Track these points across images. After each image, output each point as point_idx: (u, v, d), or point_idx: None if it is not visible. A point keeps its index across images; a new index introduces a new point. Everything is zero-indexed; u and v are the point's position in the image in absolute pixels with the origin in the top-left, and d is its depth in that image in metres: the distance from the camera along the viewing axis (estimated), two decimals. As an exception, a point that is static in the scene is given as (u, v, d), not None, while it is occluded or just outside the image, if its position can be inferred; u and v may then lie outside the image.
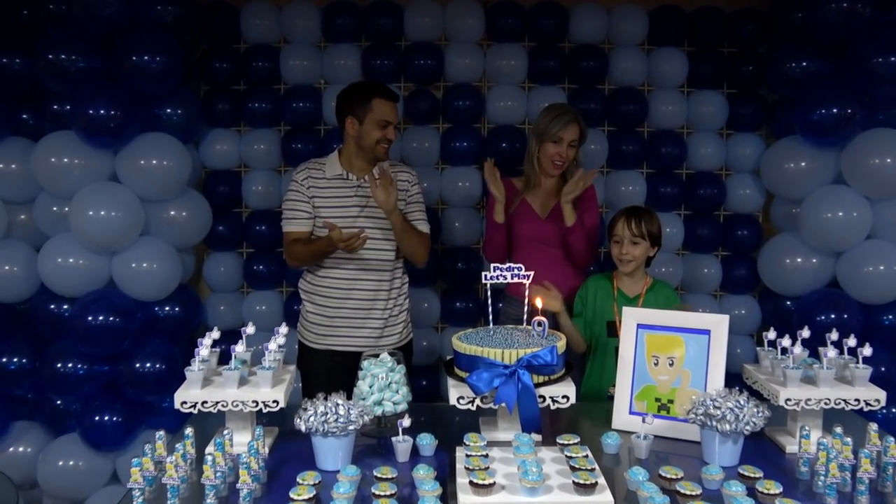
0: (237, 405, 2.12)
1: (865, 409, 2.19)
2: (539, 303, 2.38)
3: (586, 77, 3.99)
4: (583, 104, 3.94)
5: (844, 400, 2.17)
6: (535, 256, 3.11)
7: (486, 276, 2.35)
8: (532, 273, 2.36)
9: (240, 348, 2.23)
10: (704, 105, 4.00)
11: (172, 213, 3.58)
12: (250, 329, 2.30)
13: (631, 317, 2.45)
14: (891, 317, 3.57)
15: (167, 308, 3.62)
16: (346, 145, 3.14)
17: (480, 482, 1.74)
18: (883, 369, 3.38)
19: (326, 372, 3.07)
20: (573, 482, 1.76)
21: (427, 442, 2.17)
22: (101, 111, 3.30)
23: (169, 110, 3.60)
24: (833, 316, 3.48)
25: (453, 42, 3.96)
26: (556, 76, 3.98)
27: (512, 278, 2.34)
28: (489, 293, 2.40)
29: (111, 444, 3.48)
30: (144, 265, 3.44)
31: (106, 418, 3.43)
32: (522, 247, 3.21)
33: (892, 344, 3.54)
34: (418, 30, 3.92)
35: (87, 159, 3.40)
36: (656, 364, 2.39)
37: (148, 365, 3.43)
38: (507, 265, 2.34)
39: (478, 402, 2.16)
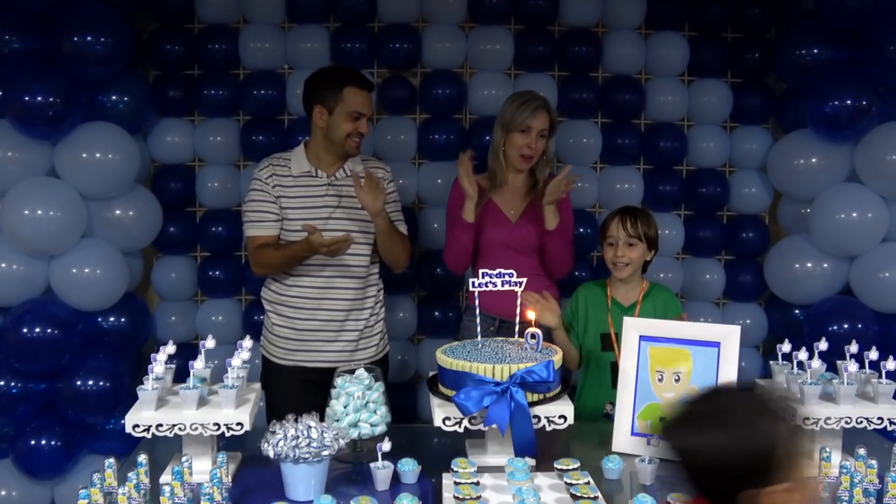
0: (196, 428, 2.08)
1: (889, 429, 2.21)
2: (532, 315, 2.36)
3: (578, 64, 3.99)
4: (574, 93, 3.95)
5: (867, 419, 2.19)
6: (504, 265, 2.99)
7: (472, 282, 2.34)
8: (525, 280, 2.35)
9: (198, 364, 2.19)
10: (707, 95, 4.02)
11: (118, 212, 3.52)
12: (210, 343, 2.27)
13: (632, 328, 2.45)
14: (908, 326, 3.60)
15: (112, 319, 3.55)
16: (313, 138, 3.11)
17: (472, 513, 1.72)
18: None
19: (295, 391, 3.02)
20: (575, 512, 1.75)
21: (409, 468, 2.14)
22: (38, 98, 3.23)
23: (114, 97, 3.54)
24: (846, 326, 3.50)
25: (432, 24, 3.94)
26: (544, 62, 3.98)
27: (503, 285, 2.33)
28: (477, 302, 2.37)
29: (49, 472, 3.40)
30: (86, 271, 3.37)
31: (43, 443, 3.35)
32: (489, 254, 3.13)
33: (909, 356, 3.57)
34: (393, 10, 3.90)
35: (22, 152, 3.34)
36: (661, 380, 2.38)
37: (90, 383, 3.36)
38: (497, 271, 2.33)
39: (466, 423, 2.14)
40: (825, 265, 3.67)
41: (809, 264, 3.69)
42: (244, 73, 3.93)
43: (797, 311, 3.86)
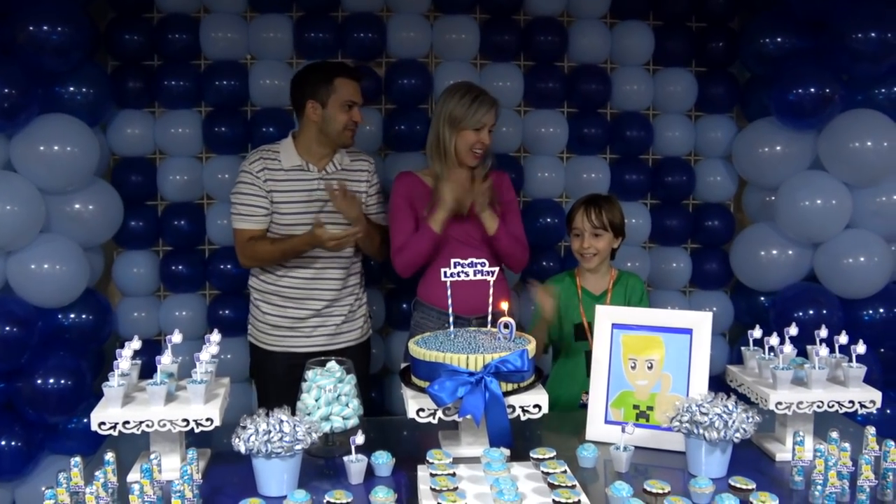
0: (165, 425, 2.03)
1: (861, 412, 2.23)
2: (504, 305, 2.34)
3: (544, 53, 3.98)
4: (540, 83, 3.94)
5: (838, 402, 2.21)
6: (454, 258, 3.01)
7: (444, 272, 2.31)
8: (497, 269, 2.33)
9: (165, 359, 2.14)
10: (672, 84, 4.04)
11: (77, 206, 3.44)
12: (176, 337, 2.22)
13: (605, 316, 2.45)
14: (871, 311, 3.65)
15: (72, 316, 3.49)
16: (304, 132, 3.19)
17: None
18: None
19: (287, 375, 3.02)
20: (553, 501, 1.73)
21: (383, 461, 2.12)
22: (-7, 89, 3.15)
23: (72, 88, 3.45)
24: (812, 312, 3.55)
25: (396, 13, 3.90)
26: (510, 52, 3.96)
27: (475, 275, 2.30)
28: (449, 293, 2.35)
29: (9, 473, 3.33)
30: (45, 266, 3.30)
31: (2, 443, 3.29)
32: (443, 249, 3.08)
33: (873, 341, 3.60)
34: (358, -1, 3.86)
35: (-23, 145, 3.25)
36: (634, 367, 2.38)
37: (51, 381, 3.29)
38: (470, 260, 2.30)
39: (440, 414, 2.12)
40: (790, 252, 3.71)
41: (774, 251, 3.73)
42: (205, 64, 3.86)
43: (763, 299, 3.91)
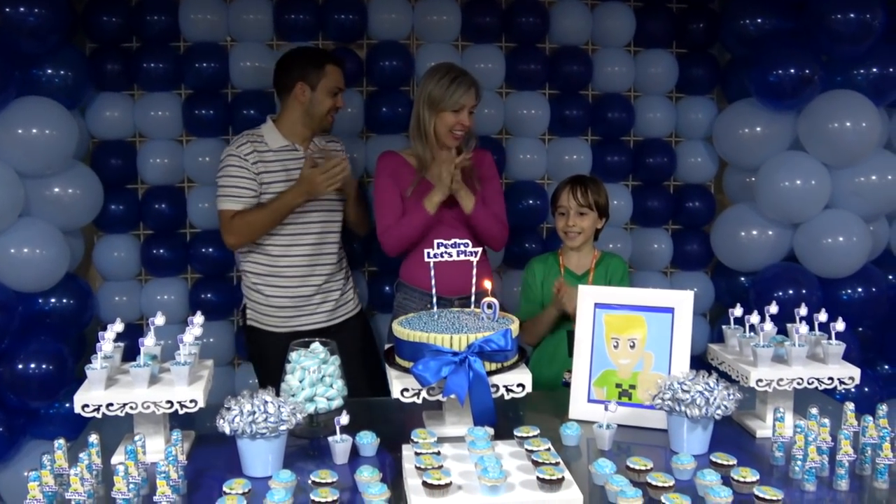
0: (148, 406, 2.03)
1: (839, 388, 2.26)
2: (488, 284, 2.35)
3: (525, 35, 3.97)
4: (522, 64, 3.93)
5: (818, 379, 2.23)
6: (436, 239, 3.02)
7: (428, 253, 2.31)
8: (480, 249, 2.34)
9: (148, 342, 2.14)
10: (653, 66, 4.04)
11: (56, 190, 3.41)
12: (159, 320, 2.21)
13: (587, 295, 2.46)
14: (850, 291, 3.69)
15: (53, 300, 3.46)
16: (287, 113, 3.26)
17: (435, 482, 1.71)
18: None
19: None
20: (537, 478, 1.75)
21: (368, 441, 2.13)
22: (-31, 72, 3.12)
23: (50, 71, 3.41)
24: (791, 292, 3.58)
25: (377, -6, 3.88)
26: (492, 34, 3.95)
27: (458, 255, 2.31)
28: (432, 273, 2.35)
29: (-9, 458, 3.32)
30: (25, 251, 3.28)
31: (-16, 429, 3.27)
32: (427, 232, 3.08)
33: (851, 320, 3.64)
34: (337, -21, 3.83)
35: (-46, 128, 3.21)
36: (616, 346, 2.40)
37: (32, 366, 3.27)
38: (453, 241, 2.31)
39: (424, 394, 2.13)
40: (770, 233, 3.74)
41: (754, 232, 3.76)
42: (185, 46, 3.82)
43: (743, 279, 3.93)
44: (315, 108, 3.20)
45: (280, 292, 3.26)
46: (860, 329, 3.80)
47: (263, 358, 3.32)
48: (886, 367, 4.00)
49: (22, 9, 3.18)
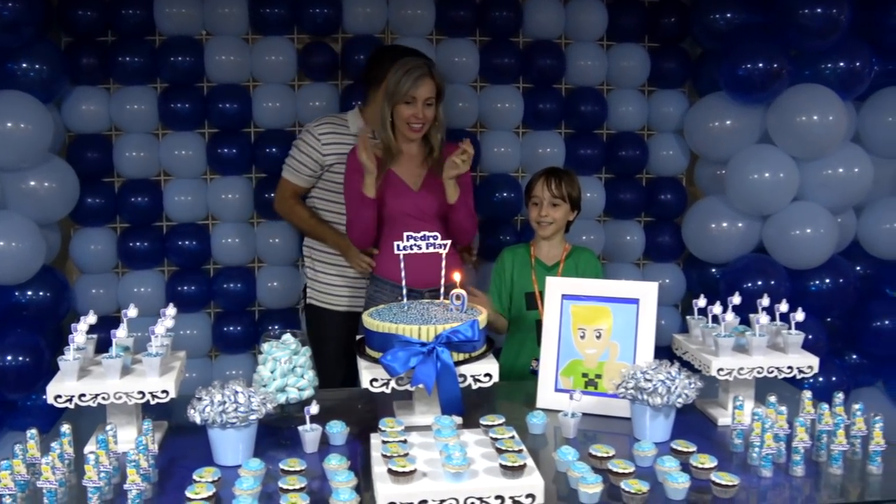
0: (120, 397, 2.06)
1: (798, 377, 2.31)
2: (457, 276, 2.39)
3: (499, 29, 4.01)
4: (496, 59, 3.97)
5: (777, 368, 2.28)
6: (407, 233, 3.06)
7: (397, 245, 2.35)
8: (449, 242, 2.37)
9: (121, 333, 2.17)
10: (625, 60, 4.09)
11: (32, 183, 3.43)
12: (132, 311, 2.24)
13: (555, 287, 2.50)
14: (818, 282, 3.75)
15: (29, 293, 3.48)
16: (373, 104, 3.37)
17: (400, 469, 1.74)
18: (810, 336, 3.52)
19: (347, 334, 3.15)
20: (500, 465, 1.78)
21: (338, 430, 2.16)
22: (-57, 66, 3.13)
23: (25, 65, 3.42)
24: (760, 283, 3.64)
25: (352, -11, 3.90)
26: (466, 28, 3.99)
27: (427, 248, 2.34)
28: (402, 265, 2.39)
29: (-32, 450, 3.32)
30: (1, 244, 3.29)
31: (-39, 420, 3.29)
32: (395, 224, 3.06)
33: (819, 310, 3.73)
34: (312, -25, 3.85)
35: (-71, 122, 3.22)
36: (583, 337, 2.44)
37: (9, 358, 3.30)
38: (422, 234, 2.34)
39: (393, 384, 2.16)
40: (739, 224, 3.80)
41: (725, 224, 3.82)
42: (160, 40, 3.84)
43: (714, 270, 3.99)
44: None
45: (334, 270, 3.44)
46: (828, 319, 3.86)
47: (323, 336, 3.43)
48: (854, 356, 4.07)
49: (-4, 3, 3.20)
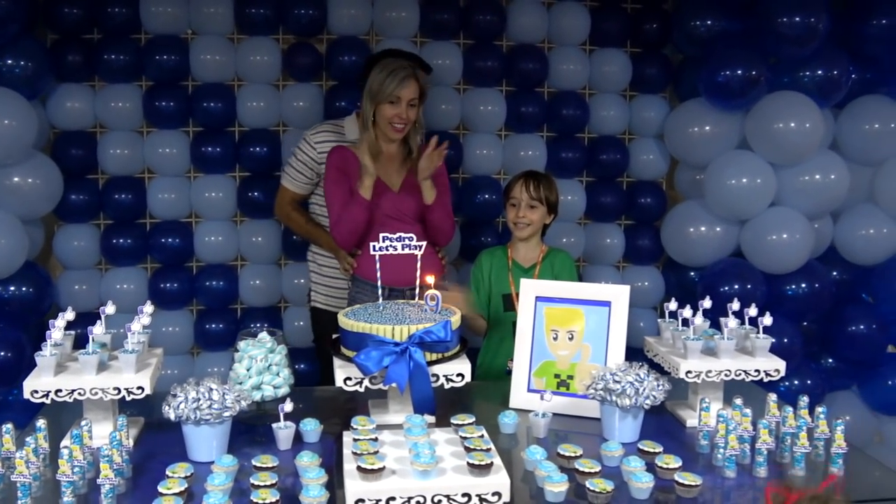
0: (96, 393, 2.08)
1: (766, 380, 2.35)
2: (430, 279, 2.42)
3: (483, 33, 4.04)
4: (480, 61, 4.01)
5: (745, 371, 2.32)
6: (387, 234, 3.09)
7: (373, 246, 2.38)
8: (424, 243, 2.41)
9: (98, 330, 2.19)
10: (607, 64, 4.13)
11: (16, 179, 3.44)
12: (109, 308, 2.26)
13: (529, 289, 2.54)
14: (794, 286, 3.79)
15: (12, 288, 3.49)
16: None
17: (369, 467, 1.78)
18: (786, 340, 3.61)
19: None
20: (467, 463, 1.82)
21: (311, 428, 2.19)
22: (-72, 62, 3.13)
23: (10, 62, 3.44)
24: (737, 286, 3.68)
25: (337, -10, 3.92)
26: (450, 31, 4.02)
27: (403, 249, 2.37)
28: (378, 266, 2.42)
29: (-52, 444, 3.33)
30: (-16, 239, 3.31)
31: (-59, 414, 3.29)
32: (376, 224, 3.06)
33: (795, 314, 3.78)
34: (297, -25, 3.87)
35: (-87, 118, 3.23)
36: (556, 338, 2.48)
37: (-10, 353, 3.30)
38: (398, 235, 2.38)
39: (366, 382, 2.19)
40: (718, 229, 3.84)
41: (703, 228, 3.86)
42: (146, 38, 3.85)
43: (692, 274, 4.03)
44: None
45: (342, 274, 3.39)
46: (804, 323, 3.91)
47: (327, 338, 3.41)
48: (830, 360, 4.12)
49: (-19, 0, 3.21)
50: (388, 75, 2.99)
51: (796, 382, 3.83)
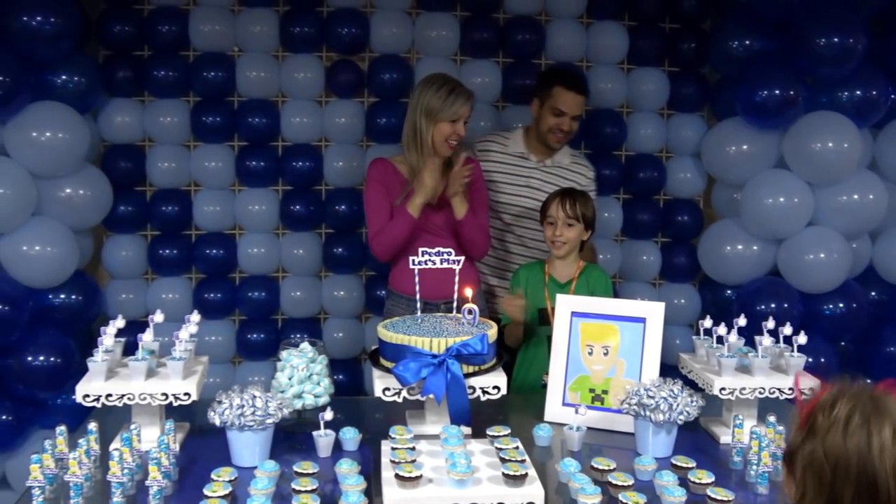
0: (144, 398, 2.15)
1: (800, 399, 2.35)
2: (469, 292, 2.47)
3: (522, 51, 4.09)
4: (518, 79, 4.06)
5: (779, 389, 2.33)
6: (423, 247, 3.09)
7: (413, 260, 2.43)
8: (462, 258, 2.45)
9: (147, 337, 2.26)
10: (645, 83, 4.15)
11: (68, 190, 3.54)
12: (158, 317, 2.33)
13: (565, 305, 2.57)
14: (831, 306, 3.77)
15: (62, 296, 3.57)
16: (532, 125, 3.58)
17: (406, 475, 1.82)
18: (823, 360, 3.60)
19: None
20: (503, 474, 1.86)
21: (350, 436, 2.24)
22: (-13, 77, 3.24)
23: (63, 77, 3.53)
24: (773, 305, 3.66)
25: (379, 9, 3.99)
26: (489, 49, 4.08)
27: (441, 263, 2.42)
28: (416, 279, 2.47)
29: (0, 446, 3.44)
30: (37, 248, 3.40)
31: (-7, 418, 3.39)
32: (412, 237, 3.12)
33: (832, 334, 3.76)
34: (342, -5, 3.96)
35: (-28, 131, 3.34)
36: (591, 353, 2.51)
37: (41, 358, 3.40)
38: (437, 249, 2.43)
39: (404, 393, 2.24)
40: (754, 247, 3.83)
41: (740, 247, 3.85)
42: (194, 55, 3.95)
43: (728, 292, 4.02)
44: (539, 123, 3.52)
45: None
46: (842, 343, 3.89)
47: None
48: (868, 381, 4.07)
49: (38, 18, 3.31)
50: (449, 94, 3.06)
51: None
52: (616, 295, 3.77)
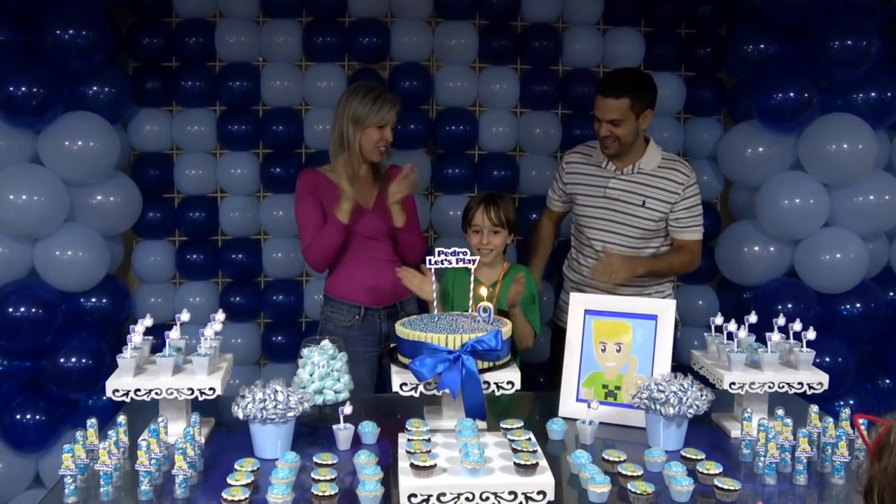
0: (171, 393, 2.23)
1: (809, 393, 2.39)
2: (484, 291, 2.52)
3: (539, 58, 4.16)
4: (536, 86, 4.12)
5: (788, 383, 2.37)
6: (360, 253, 3.18)
7: (429, 260, 2.49)
8: (477, 258, 2.51)
9: (174, 335, 2.35)
10: (662, 88, 4.08)
11: (99, 197, 3.64)
12: (185, 316, 2.40)
13: (578, 303, 2.63)
14: (849, 306, 3.79)
15: (93, 300, 3.67)
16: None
17: (421, 464, 1.88)
18: (840, 360, 3.62)
19: None
20: (514, 463, 1.91)
21: (369, 430, 2.31)
22: (22, 88, 3.33)
23: (95, 88, 3.64)
24: (790, 306, 3.68)
25: (400, 19, 4.08)
26: (507, 56, 4.14)
27: (457, 263, 2.48)
28: (434, 278, 2.53)
29: (33, 445, 3.52)
30: (69, 253, 3.49)
31: (27, 417, 3.48)
32: (350, 244, 3.18)
33: (849, 334, 3.77)
34: (363, 6, 4.04)
35: (7, 139, 3.44)
36: (604, 350, 2.56)
37: (73, 360, 3.48)
38: (452, 249, 2.49)
39: (421, 388, 2.30)
40: (771, 249, 3.86)
41: (757, 248, 3.88)
42: (220, 66, 4.06)
43: (746, 294, 4.03)
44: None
45: None
46: (860, 343, 3.90)
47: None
48: (888, 381, 4.09)
49: (71, 31, 3.42)
50: (375, 100, 3.11)
51: (851, 402, 3.81)
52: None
